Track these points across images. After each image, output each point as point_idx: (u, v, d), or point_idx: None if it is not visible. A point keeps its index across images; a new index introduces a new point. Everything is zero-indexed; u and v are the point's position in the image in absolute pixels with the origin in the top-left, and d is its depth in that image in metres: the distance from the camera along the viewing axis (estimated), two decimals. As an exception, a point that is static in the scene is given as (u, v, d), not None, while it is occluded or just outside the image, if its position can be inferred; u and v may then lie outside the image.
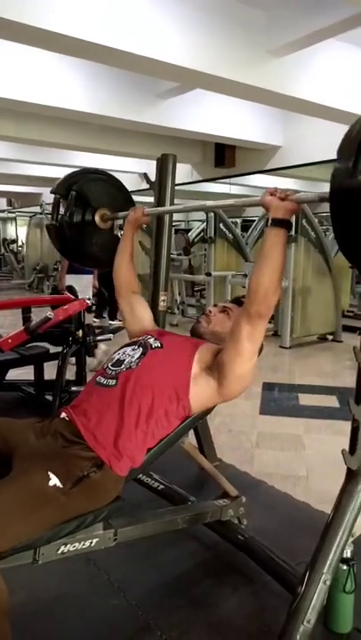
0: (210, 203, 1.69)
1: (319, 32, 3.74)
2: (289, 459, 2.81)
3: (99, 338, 3.50)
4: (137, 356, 1.58)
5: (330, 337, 5.91)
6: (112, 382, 1.52)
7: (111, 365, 1.59)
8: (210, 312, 1.74)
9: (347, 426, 3.53)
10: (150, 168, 9.25)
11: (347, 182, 1.09)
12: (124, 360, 1.58)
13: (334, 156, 4.66)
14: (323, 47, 4.21)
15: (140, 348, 1.61)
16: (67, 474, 1.30)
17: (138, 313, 1.88)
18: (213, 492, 2.00)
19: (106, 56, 3.72)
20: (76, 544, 1.47)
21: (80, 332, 3.31)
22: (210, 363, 1.53)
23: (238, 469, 2.60)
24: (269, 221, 1.37)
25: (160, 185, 2.21)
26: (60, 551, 1.44)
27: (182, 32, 3.71)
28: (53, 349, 3.53)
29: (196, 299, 7.37)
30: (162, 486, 2.11)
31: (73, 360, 3.54)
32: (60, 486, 1.27)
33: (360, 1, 3.16)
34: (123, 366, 1.56)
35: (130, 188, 8.47)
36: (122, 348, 1.68)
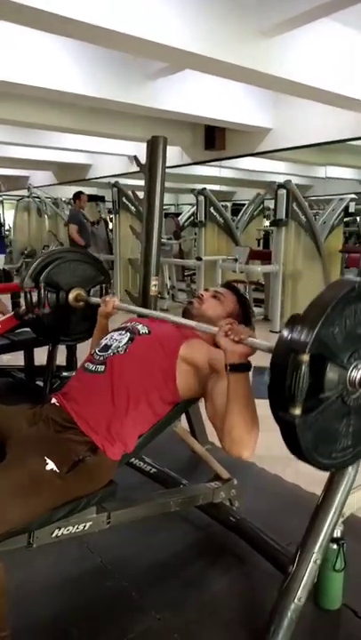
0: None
1: (311, 11, 3.68)
2: (279, 441, 2.83)
3: (89, 323, 3.47)
4: (124, 341, 1.58)
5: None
6: (100, 368, 1.52)
7: (99, 351, 1.59)
8: (202, 295, 1.74)
9: (336, 408, 3.55)
10: (140, 150, 9.10)
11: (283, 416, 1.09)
12: (111, 345, 1.58)
13: (324, 139, 4.69)
14: (314, 27, 4.15)
15: (128, 334, 1.61)
16: (62, 458, 1.31)
17: None
18: (205, 475, 2.02)
19: (94, 36, 3.64)
20: (70, 527, 1.48)
21: (71, 317, 3.29)
22: (196, 364, 1.52)
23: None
24: (228, 367, 1.31)
25: (150, 168, 2.18)
26: (54, 535, 1.45)
27: (172, 11, 3.64)
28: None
29: (186, 283, 7.36)
30: (154, 470, 2.12)
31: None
32: (57, 470, 1.28)
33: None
34: (110, 351, 1.56)
35: (118, 171, 8.39)
36: (109, 333, 1.68)
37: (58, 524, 1.42)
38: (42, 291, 2.15)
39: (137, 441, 1.51)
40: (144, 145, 7.62)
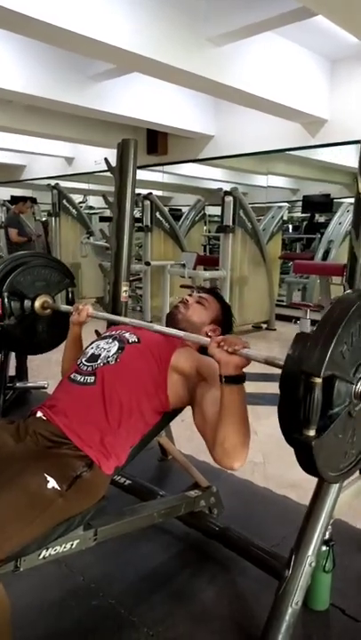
0: (157, 327, 1.54)
1: (258, 24, 3.80)
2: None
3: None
4: (114, 350, 1.52)
5: (264, 325, 6.10)
6: (90, 379, 1.46)
7: (85, 361, 1.53)
8: (187, 300, 1.72)
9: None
10: (77, 152, 8.91)
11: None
12: (99, 355, 1.52)
13: (263, 148, 4.93)
14: (260, 39, 4.28)
15: (116, 342, 1.55)
16: (61, 475, 1.24)
17: None
18: (175, 483, 1.98)
19: (41, 32, 3.53)
20: (58, 547, 1.41)
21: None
22: (187, 373, 1.50)
23: (197, 459, 2.60)
24: (222, 378, 1.27)
25: (121, 171, 2.13)
26: (41, 556, 1.37)
27: (123, 14, 3.62)
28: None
29: (131, 288, 7.26)
30: (129, 482, 2.06)
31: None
32: (58, 488, 1.21)
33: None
34: (99, 361, 1.49)
35: (55, 173, 8.20)
36: (94, 342, 1.61)
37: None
38: (6, 300, 2.04)
39: (128, 453, 1.47)
40: (82, 147, 7.45)
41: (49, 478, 1.20)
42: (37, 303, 2.11)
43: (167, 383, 1.48)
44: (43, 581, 1.69)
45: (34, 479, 1.20)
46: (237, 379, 1.27)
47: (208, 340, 1.35)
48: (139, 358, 1.51)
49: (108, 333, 1.64)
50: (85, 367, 1.50)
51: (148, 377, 1.48)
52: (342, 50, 4.85)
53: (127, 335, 1.58)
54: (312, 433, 1.05)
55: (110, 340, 1.57)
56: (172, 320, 1.71)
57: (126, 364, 1.48)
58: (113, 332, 1.62)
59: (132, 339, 1.57)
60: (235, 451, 1.28)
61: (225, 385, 1.26)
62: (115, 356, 1.50)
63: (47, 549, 1.37)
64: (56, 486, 1.21)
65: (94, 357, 1.52)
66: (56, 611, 1.60)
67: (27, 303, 2.10)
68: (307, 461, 1.11)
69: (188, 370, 1.49)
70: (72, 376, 1.51)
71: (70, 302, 2.26)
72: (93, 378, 1.45)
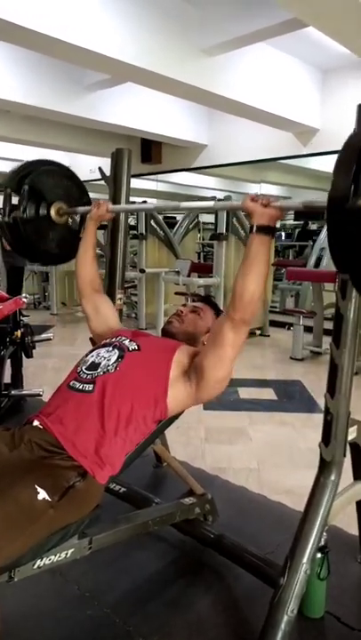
0: (185, 204, 1.63)
1: (251, 35, 3.84)
2: (238, 452, 2.87)
3: (37, 338, 3.35)
4: (114, 359, 1.52)
5: (258, 332, 6.12)
6: (89, 387, 1.46)
7: (85, 369, 1.53)
8: (181, 312, 1.72)
9: (286, 417, 3.70)
10: (73, 160, 8.93)
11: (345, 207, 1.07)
12: (99, 363, 1.52)
13: (256, 157, 5.00)
14: (252, 50, 4.33)
15: (116, 351, 1.55)
16: (53, 486, 1.23)
17: (103, 313, 1.83)
18: (169, 491, 1.98)
19: (37, 43, 3.55)
20: (52, 557, 1.40)
21: (18, 333, 3.15)
22: (187, 366, 1.51)
23: (192, 465, 2.61)
24: (254, 228, 1.33)
25: (115, 179, 2.14)
26: (36, 566, 1.37)
27: (117, 24, 3.65)
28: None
29: (126, 295, 7.28)
30: (124, 489, 2.06)
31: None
32: (49, 499, 1.20)
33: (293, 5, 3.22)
34: (99, 370, 1.50)
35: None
36: (95, 349, 1.61)
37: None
38: (25, 194, 1.96)
39: (123, 462, 1.47)
40: (77, 156, 7.49)
41: (39, 489, 1.19)
42: (53, 209, 2.05)
43: (169, 386, 1.47)
44: (37, 591, 1.68)
45: (24, 491, 1.19)
46: (269, 229, 1.33)
47: (239, 203, 1.40)
48: (138, 366, 1.51)
49: (108, 341, 1.64)
50: (85, 375, 1.50)
51: (147, 385, 1.48)
52: (333, 60, 4.91)
53: (127, 343, 1.58)
54: None
55: (110, 349, 1.57)
56: (167, 333, 1.71)
57: (126, 373, 1.48)
58: (113, 340, 1.62)
59: (132, 346, 1.57)
60: (251, 301, 1.35)
61: (256, 234, 1.33)
62: (114, 365, 1.50)
63: (42, 559, 1.37)
64: (47, 497, 1.20)
65: (94, 366, 1.52)
66: (51, 620, 1.60)
67: (43, 205, 2.03)
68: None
69: (189, 358, 1.52)
70: (71, 383, 1.51)
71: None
72: (92, 386, 1.45)
